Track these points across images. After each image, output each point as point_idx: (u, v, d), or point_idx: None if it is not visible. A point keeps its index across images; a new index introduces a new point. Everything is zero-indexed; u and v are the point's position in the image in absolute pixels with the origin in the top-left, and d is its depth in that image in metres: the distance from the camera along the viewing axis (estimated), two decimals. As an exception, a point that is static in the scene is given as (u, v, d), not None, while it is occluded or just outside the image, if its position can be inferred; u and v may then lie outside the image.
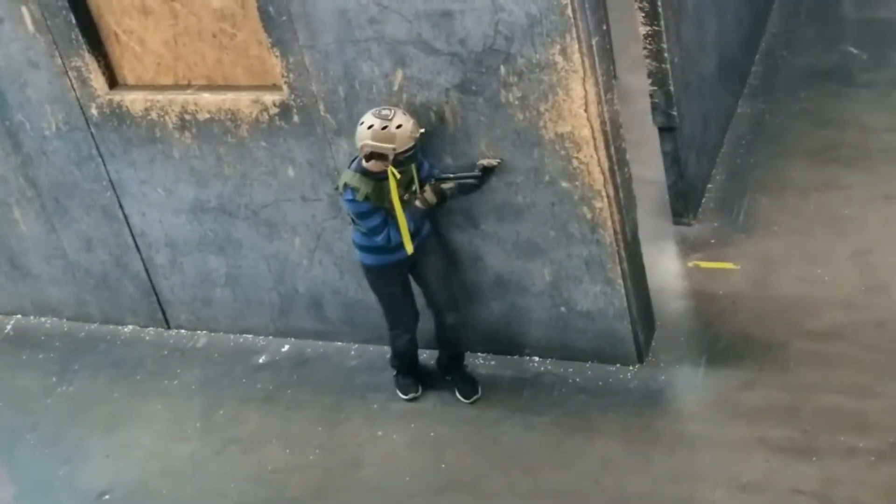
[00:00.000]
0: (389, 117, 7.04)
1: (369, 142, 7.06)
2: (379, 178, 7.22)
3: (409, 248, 7.42)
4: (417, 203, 7.36)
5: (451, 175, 7.39)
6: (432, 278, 7.72)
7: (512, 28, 6.85)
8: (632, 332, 7.87)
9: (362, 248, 7.56)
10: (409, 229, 7.36)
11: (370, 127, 7.04)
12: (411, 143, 7.10)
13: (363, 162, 7.20)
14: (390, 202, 7.26)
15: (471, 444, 7.75)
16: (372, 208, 7.26)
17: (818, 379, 7.59)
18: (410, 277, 7.79)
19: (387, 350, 8.34)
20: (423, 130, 7.20)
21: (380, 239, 7.36)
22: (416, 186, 7.36)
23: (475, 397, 8.01)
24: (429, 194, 7.34)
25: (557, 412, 7.81)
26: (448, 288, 7.80)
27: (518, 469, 7.52)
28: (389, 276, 7.65)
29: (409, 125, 7.09)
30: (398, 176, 7.18)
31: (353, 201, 7.24)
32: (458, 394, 8.05)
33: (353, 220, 7.47)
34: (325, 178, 7.88)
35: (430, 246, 7.68)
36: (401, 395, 8.16)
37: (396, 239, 7.38)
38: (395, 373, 8.21)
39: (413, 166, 7.27)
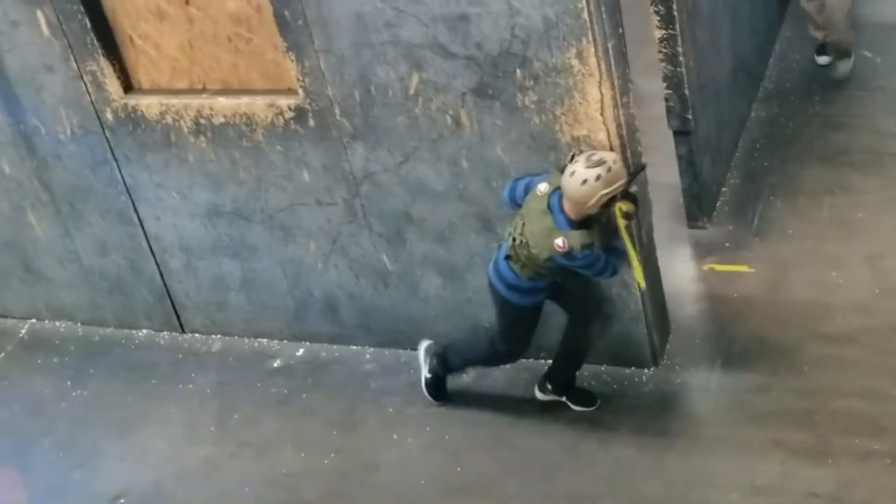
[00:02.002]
0: (603, 159, 6.70)
1: (605, 191, 6.66)
2: (587, 223, 6.87)
3: (643, 282, 7.15)
4: (622, 221, 6.89)
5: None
6: (571, 297, 7.51)
7: (528, 32, 6.86)
8: (647, 335, 7.87)
9: (517, 290, 7.22)
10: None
11: (598, 178, 6.64)
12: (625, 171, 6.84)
13: (569, 213, 6.79)
14: (616, 237, 6.90)
15: (486, 447, 7.76)
16: (601, 254, 6.89)
17: (833, 382, 7.59)
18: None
19: (402, 354, 8.36)
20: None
21: (607, 275, 7.04)
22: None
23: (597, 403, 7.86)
24: (625, 205, 6.84)
25: (572, 415, 7.82)
26: (585, 303, 7.62)
27: (533, 472, 7.52)
28: (536, 312, 7.43)
29: (612, 155, 6.84)
30: (625, 209, 6.82)
31: (591, 255, 6.82)
32: (577, 406, 7.89)
33: (550, 273, 7.10)
34: (340, 183, 7.89)
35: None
36: (591, 407, 7.88)
37: (618, 266, 7.06)
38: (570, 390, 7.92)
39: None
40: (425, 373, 8.05)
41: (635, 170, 7.10)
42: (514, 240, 7.04)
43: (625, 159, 7.11)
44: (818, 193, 9.01)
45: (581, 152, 6.85)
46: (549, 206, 6.83)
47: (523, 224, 6.99)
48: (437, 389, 8.07)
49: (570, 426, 7.75)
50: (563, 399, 7.84)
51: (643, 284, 7.17)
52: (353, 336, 8.66)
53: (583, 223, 6.81)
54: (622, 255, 6.98)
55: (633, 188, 6.99)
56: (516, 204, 7.14)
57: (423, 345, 8.09)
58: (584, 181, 6.64)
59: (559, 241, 6.75)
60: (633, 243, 7.00)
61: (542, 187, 6.92)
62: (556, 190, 6.84)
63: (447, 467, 7.69)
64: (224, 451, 8.17)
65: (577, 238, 6.76)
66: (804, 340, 7.91)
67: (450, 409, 8.07)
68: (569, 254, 6.78)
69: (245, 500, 7.81)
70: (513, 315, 7.41)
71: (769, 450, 7.27)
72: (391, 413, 8.15)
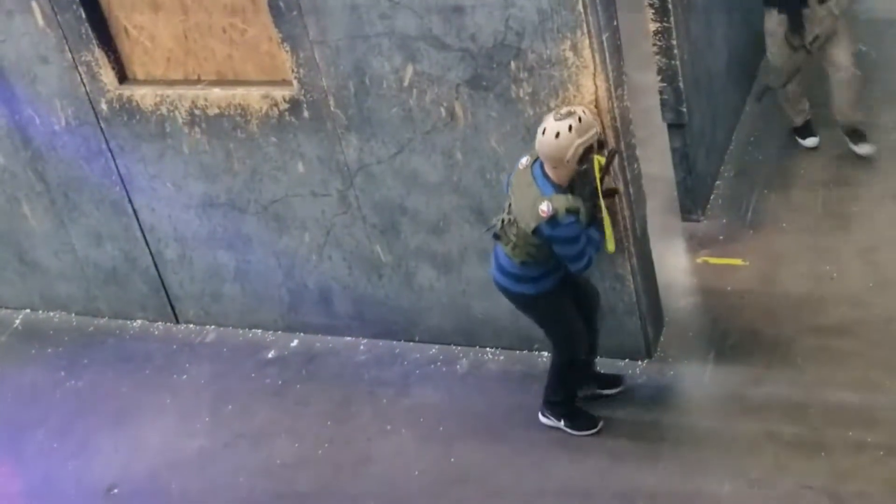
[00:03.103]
0: (571, 110, 6.64)
1: (579, 140, 6.59)
2: (572, 189, 6.77)
3: (613, 246, 7.02)
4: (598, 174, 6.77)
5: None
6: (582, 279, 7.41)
7: (523, 23, 6.87)
8: (641, 327, 7.88)
9: (524, 280, 7.08)
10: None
11: (570, 128, 6.58)
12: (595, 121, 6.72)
13: (552, 178, 6.72)
14: (592, 200, 6.80)
15: (479, 438, 7.76)
16: (582, 229, 6.78)
17: (826, 375, 7.60)
18: None
19: (396, 346, 8.38)
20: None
21: (582, 264, 6.87)
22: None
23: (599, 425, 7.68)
24: (602, 158, 6.75)
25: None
26: (591, 284, 7.56)
27: (526, 464, 7.53)
28: (561, 293, 7.22)
29: (580, 106, 6.75)
30: (602, 161, 6.71)
31: (574, 224, 6.70)
32: (605, 390, 7.81)
33: (526, 253, 6.94)
34: (334, 174, 7.89)
35: None
36: (588, 431, 7.65)
37: (593, 257, 6.92)
38: (567, 411, 7.66)
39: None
40: (563, 426, 7.68)
41: (608, 156, 6.94)
42: (502, 221, 6.99)
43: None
44: (812, 187, 9.03)
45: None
46: (532, 177, 6.79)
47: (509, 203, 6.96)
48: (582, 420, 7.69)
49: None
50: (561, 424, 7.67)
51: (612, 248, 7.07)
52: (347, 327, 8.67)
53: (568, 191, 6.74)
54: (599, 242, 6.93)
55: (610, 177, 6.96)
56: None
57: (539, 417, 7.74)
58: (557, 134, 6.59)
59: (543, 206, 6.66)
60: (607, 205, 6.93)
61: (524, 161, 6.87)
62: (537, 160, 6.83)
63: (441, 458, 7.70)
64: (218, 442, 8.18)
65: (562, 201, 6.66)
66: (798, 333, 7.92)
67: (443, 400, 8.07)
68: (553, 220, 6.66)
69: (239, 490, 7.81)
70: (539, 309, 7.28)
71: (763, 442, 7.28)
72: (385, 404, 8.15)
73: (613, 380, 7.85)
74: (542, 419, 7.73)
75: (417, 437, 7.87)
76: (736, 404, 7.57)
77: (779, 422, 7.37)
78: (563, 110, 6.67)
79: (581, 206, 6.71)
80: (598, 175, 6.76)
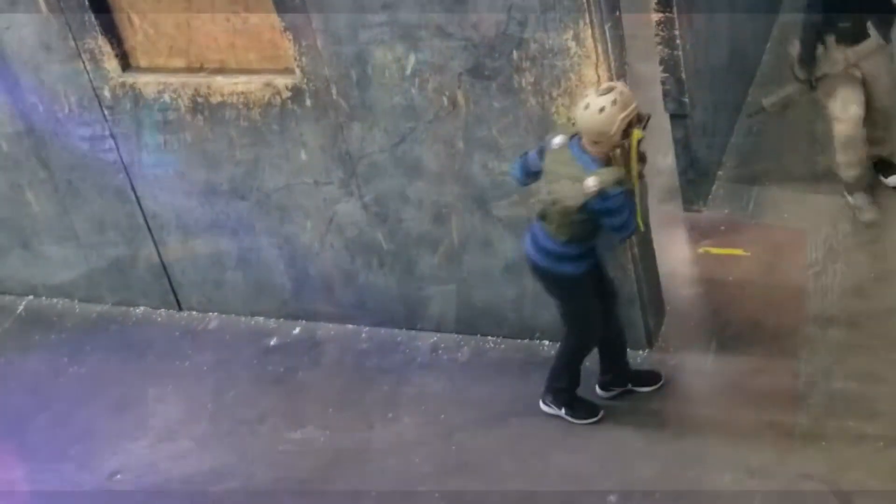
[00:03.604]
0: (611, 85, 6.69)
1: (623, 114, 6.62)
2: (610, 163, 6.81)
3: (642, 223, 7.01)
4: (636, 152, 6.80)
5: None
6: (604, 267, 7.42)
7: (525, 13, 6.87)
8: (642, 317, 7.89)
9: (566, 259, 7.07)
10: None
11: (614, 102, 6.62)
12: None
13: (593, 153, 6.75)
14: (629, 176, 6.81)
15: (481, 426, 7.78)
16: (626, 201, 6.81)
17: (827, 365, 7.60)
18: None
19: (398, 333, 8.40)
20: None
21: (628, 232, 6.91)
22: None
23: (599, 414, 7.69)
24: (640, 133, 6.75)
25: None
26: (611, 279, 7.54)
27: (527, 452, 7.55)
28: (589, 279, 7.25)
29: (617, 82, 6.80)
30: (642, 135, 6.74)
31: (621, 195, 6.73)
32: (643, 388, 7.77)
33: (564, 231, 6.94)
34: (336, 162, 7.90)
35: None
36: (589, 419, 7.67)
37: (634, 226, 6.95)
38: (569, 399, 7.68)
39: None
40: (563, 414, 7.68)
41: (644, 122, 6.89)
42: (542, 203, 6.96)
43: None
44: (814, 177, 9.03)
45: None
46: (572, 155, 6.81)
47: (549, 183, 6.92)
48: (584, 409, 7.70)
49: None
50: (562, 413, 7.68)
51: (642, 226, 7.06)
52: (349, 315, 8.68)
53: (606, 164, 6.76)
54: (634, 209, 6.91)
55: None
56: (533, 174, 7.08)
57: (540, 404, 7.74)
58: (602, 109, 6.61)
59: (590, 182, 6.67)
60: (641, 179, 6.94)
61: (558, 140, 6.86)
62: (573, 137, 6.83)
63: (442, 446, 7.71)
64: (220, 429, 8.20)
65: (610, 175, 6.70)
66: (799, 323, 7.93)
67: (445, 388, 8.09)
68: (603, 193, 6.68)
69: (241, 476, 7.83)
70: (573, 290, 7.24)
71: (763, 432, 7.29)
72: (386, 391, 8.17)
73: (651, 376, 7.81)
74: (543, 406, 7.73)
75: (419, 425, 7.89)
76: (737, 394, 7.59)
77: (779, 412, 7.38)
78: (604, 85, 6.72)
79: (624, 176, 6.76)
80: (635, 149, 6.77)
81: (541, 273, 7.23)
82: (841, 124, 8.44)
